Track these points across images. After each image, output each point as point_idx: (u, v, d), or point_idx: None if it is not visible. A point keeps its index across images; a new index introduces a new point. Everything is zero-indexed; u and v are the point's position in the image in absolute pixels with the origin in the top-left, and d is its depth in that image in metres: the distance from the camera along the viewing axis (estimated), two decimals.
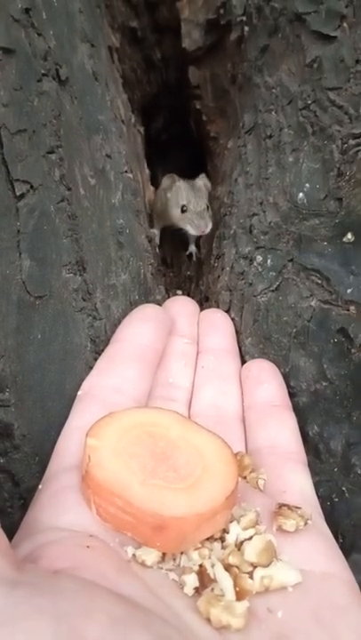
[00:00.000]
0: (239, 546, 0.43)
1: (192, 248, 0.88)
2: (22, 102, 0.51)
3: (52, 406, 0.52)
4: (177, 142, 1.07)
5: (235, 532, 0.43)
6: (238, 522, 0.44)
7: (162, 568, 0.41)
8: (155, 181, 0.96)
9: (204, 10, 0.82)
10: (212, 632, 0.36)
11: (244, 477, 0.51)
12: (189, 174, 0.92)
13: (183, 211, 0.74)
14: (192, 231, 0.74)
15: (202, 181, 0.81)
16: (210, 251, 0.80)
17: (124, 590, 0.35)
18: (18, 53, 0.51)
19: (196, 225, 0.73)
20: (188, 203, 0.74)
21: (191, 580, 0.39)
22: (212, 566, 0.40)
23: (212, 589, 0.39)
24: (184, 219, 0.74)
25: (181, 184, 0.78)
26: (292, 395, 0.59)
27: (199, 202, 0.75)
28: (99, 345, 0.59)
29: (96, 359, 0.58)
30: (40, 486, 0.46)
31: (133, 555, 0.40)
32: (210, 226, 0.74)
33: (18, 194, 0.50)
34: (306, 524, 0.45)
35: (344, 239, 0.57)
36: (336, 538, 0.48)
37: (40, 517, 0.42)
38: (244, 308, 0.67)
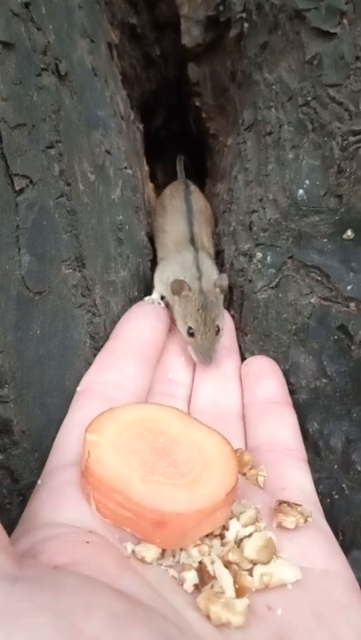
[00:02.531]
0: (239, 543, 0.43)
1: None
2: (22, 96, 0.51)
3: (52, 402, 0.52)
4: (176, 139, 1.07)
5: (235, 529, 0.43)
6: (238, 519, 0.44)
7: (161, 564, 0.40)
8: (154, 178, 0.96)
9: (204, 7, 0.82)
10: (211, 629, 0.36)
11: (244, 474, 0.51)
12: (189, 172, 0.92)
13: (190, 334, 0.62)
14: (196, 360, 0.62)
15: (218, 284, 0.66)
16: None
17: (124, 586, 0.35)
18: (17, 47, 0.50)
19: (201, 359, 0.61)
20: (196, 330, 0.62)
21: (191, 577, 0.39)
22: (212, 563, 0.40)
23: (212, 586, 0.39)
24: (190, 343, 0.63)
25: (193, 296, 0.64)
26: (291, 392, 0.59)
27: (209, 328, 0.62)
28: (98, 341, 0.59)
29: (95, 355, 0.58)
30: (39, 482, 0.46)
31: (133, 551, 0.40)
32: (214, 359, 0.62)
33: (17, 188, 0.50)
34: (306, 521, 0.45)
35: (344, 236, 0.57)
36: (336, 535, 0.48)
37: (39, 513, 0.42)
38: (244, 304, 0.67)
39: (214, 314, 0.63)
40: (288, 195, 0.62)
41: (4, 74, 0.49)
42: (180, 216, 0.77)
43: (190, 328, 0.62)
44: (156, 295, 0.69)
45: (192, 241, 0.73)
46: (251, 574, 0.40)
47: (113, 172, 0.67)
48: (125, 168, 0.70)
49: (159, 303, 0.67)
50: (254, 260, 0.66)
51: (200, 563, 0.40)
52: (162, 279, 0.69)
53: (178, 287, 0.64)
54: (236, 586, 0.39)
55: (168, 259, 0.72)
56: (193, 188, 0.84)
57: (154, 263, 0.76)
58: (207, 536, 0.43)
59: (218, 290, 0.66)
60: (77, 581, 0.32)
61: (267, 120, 0.66)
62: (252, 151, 0.70)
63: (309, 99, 0.59)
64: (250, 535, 0.43)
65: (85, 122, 0.62)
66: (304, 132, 0.60)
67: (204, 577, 0.39)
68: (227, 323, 0.68)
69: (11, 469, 0.49)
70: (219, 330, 0.63)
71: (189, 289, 0.64)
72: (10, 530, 0.41)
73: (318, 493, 0.51)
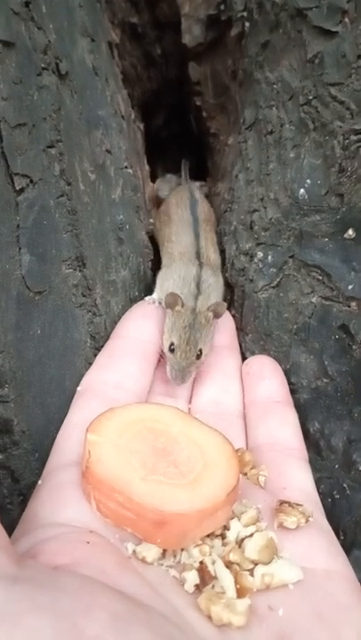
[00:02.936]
0: (240, 543, 0.43)
1: None
2: (22, 96, 0.50)
3: (52, 402, 0.52)
4: (177, 139, 1.07)
5: (235, 529, 0.43)
6: (239, 518, 0.44)
7: (162, 565, 0.40)
8: (155, 178, 0.95)
9: (205, 5, 0.82)
10: (213, 629, 0.36)
11: (245, 474, 0.51)
12: (190, 172, 0.92)
13: (171, 350, 0.61)
14: (168, 377, 0.60)
15: (213, 309, 0.64)
16: None
17: (125, 587, 0.34)
18: (18, 47, 0.50)
19: (173, 377, 0.59)
20: (177, 347, 0.60)
21: (192, 577, 0.39)
22: (213, 563, 0.40)
23: (213, 586, 0.39)
24: (169, 358, 0.61)
25: (183, 313, 0.62)
26: (292, 391, 0.59)
27: (190, 348, 0.60)
28: (98, 341, 0.59)
29: (96, 355, 0.58)
30: (39, 482, 0.46)
31: (134, 551, 0.40)
32: (186, 381, 0.60)
33: (17, 188, 0.50)
34: (307, 521, 0.45)
35: (345, 235, 0.57)
36: (337, 535, 0.48)
37: (40, 513, 0.42)
38: (245, 304, 0.67)
39: (199, 335, 0.62)
40: (289, 194, 0.61)
41: (5, 73, 0.49)
42: (187, 227, 0.76)
43: (172, 344, 0.61)
44: (156, 295, 0.69)
45: (198, 255, 0.72)
46: (252, 574, 0.40)
47: (114, 172, 0.67)
48: (126, 167, 0.70)
49: (160, 303, 0.67)
50: (255, 260, 0.66)
51: (201, 563, 0.40)
52: (162, 285, 0.69)
53: (172, 301, 0.63)
54: (238, 586, 0.39)
55: (172, 268, 0.71)
56: (198, 195, 0.82)
57: (155, 263, 0.75)
58: (208, 536, 0.43)
59: (211, 314, 0.64)
60: (78, 582, 0.32)
61: (268, 119, 0.66)
62: (253, 150, 0.70)
63: (311, 97, 0.59)
64: (251, 535, 0.43)
65: (86, 121, 0.62)
66: (305, 130, 0.60)
67: (205, 577, 0.39)
68: (227, 322, 0.68)
69: (11, 469, 0.48)
70: (201, 354, 0.62)
71: (182, 305, 0.63)
72: (10, 530, 0.41)
73: (319, 493, 0.51)
